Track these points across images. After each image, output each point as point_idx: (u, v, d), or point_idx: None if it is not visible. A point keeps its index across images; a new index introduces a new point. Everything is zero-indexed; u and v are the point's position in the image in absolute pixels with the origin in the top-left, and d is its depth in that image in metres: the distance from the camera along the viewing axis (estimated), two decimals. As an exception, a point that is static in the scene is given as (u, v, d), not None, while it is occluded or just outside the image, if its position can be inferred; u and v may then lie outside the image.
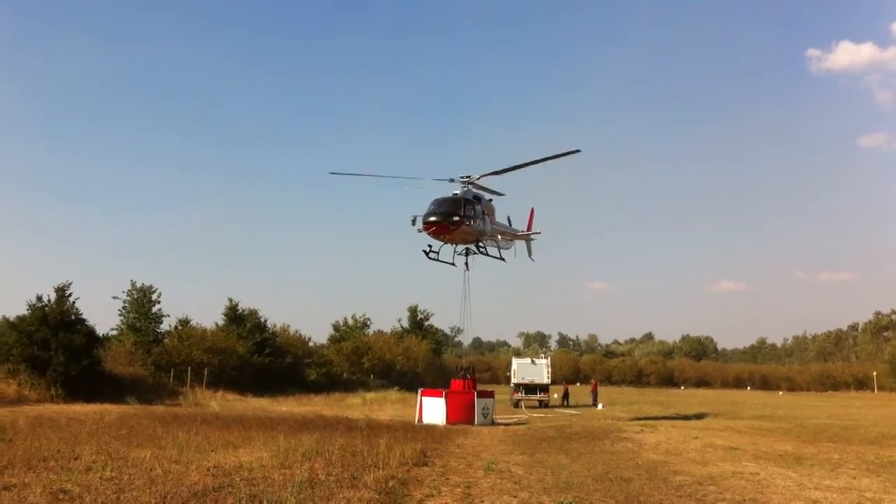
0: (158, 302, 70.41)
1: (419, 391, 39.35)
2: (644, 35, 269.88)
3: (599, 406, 58.84)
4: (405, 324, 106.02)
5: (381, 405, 53.72)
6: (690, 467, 19.76)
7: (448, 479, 17.04)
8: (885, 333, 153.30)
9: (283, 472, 16.41)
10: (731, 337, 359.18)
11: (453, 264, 39.85)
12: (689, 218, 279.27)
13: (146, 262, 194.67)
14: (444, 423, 35.22)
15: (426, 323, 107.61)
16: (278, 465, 17.39)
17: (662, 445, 26.04)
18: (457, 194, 37.93)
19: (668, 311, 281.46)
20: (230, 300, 75.29)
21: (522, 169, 38.23)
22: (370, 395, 63.47)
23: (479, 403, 37.06)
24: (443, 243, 38.55)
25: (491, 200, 40.76)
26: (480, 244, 39.78)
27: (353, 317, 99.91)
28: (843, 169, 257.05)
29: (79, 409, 39.33)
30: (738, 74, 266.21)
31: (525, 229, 46.56)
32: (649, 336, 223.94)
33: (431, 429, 31.49)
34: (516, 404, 56.65)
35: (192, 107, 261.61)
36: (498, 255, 42.02)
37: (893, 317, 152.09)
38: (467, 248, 39.72)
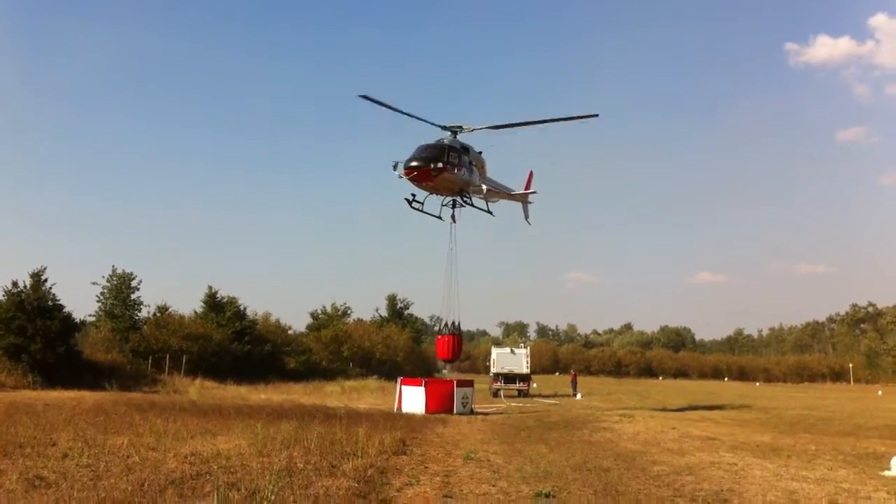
0: (138, 289, 69.99)
1: (398, 380, 39.26)
2: (621, 29, 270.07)
3: (578, 396, 59.03)
4: (384, 312, 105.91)
5: (359, 394, 53.67)
6: (668, 457, 19.85)
7: (427, 467, 17.04)
8: (862, 326, 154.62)
9: (261, 460, 16.35)
10: (709, 328, 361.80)
11: (440, 217, 39.27)
12: (670, 210, 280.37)
13: (126, 248, 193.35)
14: (424, 412, 35.20)
15: (406, 312, 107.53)
16: (256, 453, 17.33)
17: (641, 435, 26.16)
18: (443, 141, 37.40)
19: (648, 302, 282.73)
20: (209, 287, 75.10)
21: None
22: (349, 384, 63.36)
23: (458, 393, 37.01)
24: (427, 193, 37.92)
25: (481, 153, 40.12)
26: (465, 195, 38.88)
27: (333, 305, 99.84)
28: (822, 162, 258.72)
29: (56, 395, 39.09)
30: (716, 68, 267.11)
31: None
32: (628, 326, 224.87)
33: (410, 417, 31.49)
34: (495, 394, 56.71)
35: (177, 95, 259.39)
36: (486, 209, 40.97)
37: (870, 309, 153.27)
38: (454, 201, 38.99)
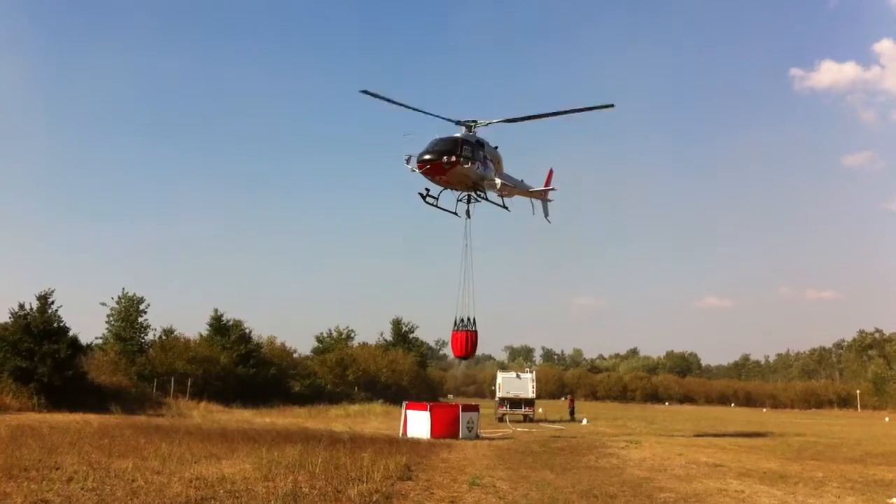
0: (145, 312, 70.04)
1: (404, 404, 39.11)
2: (626, 53, 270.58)
3: (584, 421, 58.79)
4: (389, 336, 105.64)
5: (364, 418, 53.55)
6: (675, 484, 19.74)
7: (432, 493, 16.98)
8: (869, 352, 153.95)
9: (266, 485, 16.31)
10: (715, 353, 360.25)
11: (455, 213, 38.82)
12: (676, 234, 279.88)
13: (132, 270, 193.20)
14: (429, 436, 35.06)
15: (411, 336, 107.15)
16: (261, 478, 17.29)
17: (647, 461, 26.03)
18: (457, 135, 37.02)
19: (654, 327, 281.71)
20: (215, 311, 75.04)
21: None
22: (354, 408, 63.30)
23: (463, 417, 36.87)
24: (441, 188, 37.55)
25: (497, 148, 39.78)
26: (480, 190, 38.46)
27: (338, 328, 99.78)
28: (828, 187, 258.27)
29: (61, 418, 39.08)
30: (721, 92, 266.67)
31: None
32: (634, 351, 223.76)
33: (416, 442, 31.38)
34: (501, 419, 56.49)
35: (177, 113, 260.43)
36: (501, 203, 40.54)
37: (877, 335, 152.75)
38: (469, 196, 38.60)
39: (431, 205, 38.28)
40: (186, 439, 26.14)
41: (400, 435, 35.90)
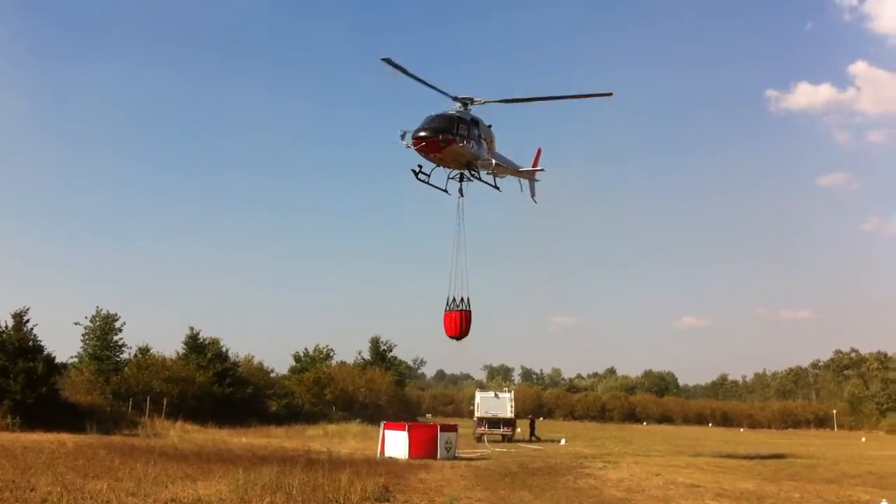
0: (120, 330, 69.62)
1: (382, 424, 38.96)
2: (602, 75, 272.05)
3: (562, 441, 58.79)
4: (367, 355, 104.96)
5: (342, 438, 53.29)
6: (653, 505, 19.77)
7: (410, 514, 16.93)
8: (845, 372, 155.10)
9: (242, 507, 16.21)
10: (693, 373, 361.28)
11: (446, 191, 38.36)
12: (653, 254, 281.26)
13: (107, 288, 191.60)
14: (407, 456, 34.93)
15: (389, 354, 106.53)
16: (237, 500, 17.19)
17: (625, 482, 26.07)
18: (453, 112, 36.52)
19: (632, 347, 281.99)
20: (191, 329, 74.35)
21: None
22: (332, 428, 63.00)
23: (441, 437, 36.78)
24: (434, 165, 37.04)
25: (490, 127, 39.47)
26: (473, 169, 38.05)
27: (316, 347, 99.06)
28: (804, 207, 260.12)
29: (35, 437, 38.67)
30: (696, 114, 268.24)
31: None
32: (612, 371, 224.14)
33: (393, 463, 31.26)
34: (479, 438, 56.37)
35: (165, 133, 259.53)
36: (493, 184, 40.48)
37: (853, 355, 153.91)
38: (461, 174, 38.10)
39: (423, 181, 37.82)
40: (162, 460, 25.96)
41: (378, 455, 35.78)
